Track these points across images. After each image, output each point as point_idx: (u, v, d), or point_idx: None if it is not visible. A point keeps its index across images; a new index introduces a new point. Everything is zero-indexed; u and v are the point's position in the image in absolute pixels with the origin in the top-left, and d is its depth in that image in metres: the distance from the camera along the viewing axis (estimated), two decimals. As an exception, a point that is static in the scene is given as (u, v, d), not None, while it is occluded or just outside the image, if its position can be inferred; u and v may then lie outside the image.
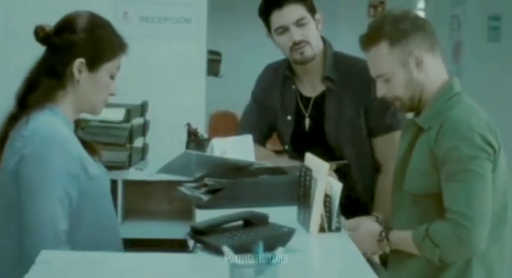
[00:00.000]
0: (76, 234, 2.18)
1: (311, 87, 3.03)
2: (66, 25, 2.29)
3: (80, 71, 2.26)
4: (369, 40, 2.49)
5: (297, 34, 2.91)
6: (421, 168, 2.42)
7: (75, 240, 2.18)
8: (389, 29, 2.44)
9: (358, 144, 2.96)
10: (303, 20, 2.91)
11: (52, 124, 2.20)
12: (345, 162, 2.80)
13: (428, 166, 2.40)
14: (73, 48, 2.26)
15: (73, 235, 2.17)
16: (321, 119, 3.00)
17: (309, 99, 3.03)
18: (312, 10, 2.95)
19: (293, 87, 3.05)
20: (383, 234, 2.47)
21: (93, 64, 2.27)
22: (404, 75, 2.45)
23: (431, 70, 2.47)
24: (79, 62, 2.25)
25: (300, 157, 2.59)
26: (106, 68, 2.29)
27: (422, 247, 2.37)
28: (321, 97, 3.00)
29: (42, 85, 2.26)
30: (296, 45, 2.92)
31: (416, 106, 2.49)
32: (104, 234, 2.26)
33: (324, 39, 3.03)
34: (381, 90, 2.51)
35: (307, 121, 3.02)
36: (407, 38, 2.44)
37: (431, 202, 2.41)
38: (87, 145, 2.35)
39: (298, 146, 3.03)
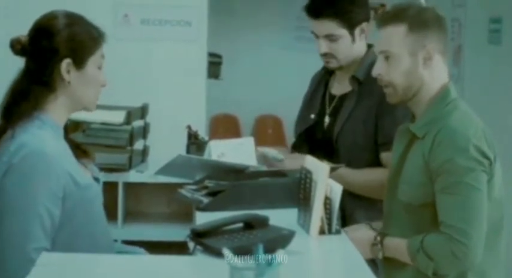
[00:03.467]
0: (65, 237, 2.16)
1: (339, 85, 3.02)
2: (42, 31, 2.24)
3: (68, 72, 2.21)
4: (389, 18, 2.43)
5: (323, 47, 2.92)
6: (415, 179, 2.37)
7: (67, 242, 2.16)
8: (413, 14, 2.41)
9: (353, 147, 2.90)
10: (333, 36, 2.90)
11: (40, 138, 2.16)
12: (342, 165, 2.76)
13: (423, 177, 2.35)
14: (55, 52, 2.21)
15: (65, 237, 2.16)
16: (336, 117, 2.97)
17: (334, 96, 3.02)
18: (350, 24, 2.90)
19: (325, 85, 3.06)
20: (378, 238, 2.44)
21: (79, 61, 2.22)
22: (408, 63, 2.40)
23: (436, 71, 2.43)
24: (66, 63, 2.21)
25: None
26: (92, 61, 2.25)
27: (417, 258, 2.33)
28: (345, 96, 2.99)
29: (32, 94, 2.21)
30: (322, 55, 2.95)
31: (408, 100, 2.43)
32: (95, 235, 2.24)
33: (369, 46, 2.98)
34: (378, 69, 2.45)
35: (326, 118, 3.00)
36: (426, 31, 2.40)
37: (425, 212, 2.36)
38: (78, 148, 2.33)
39: (311, 144, 3.00)
